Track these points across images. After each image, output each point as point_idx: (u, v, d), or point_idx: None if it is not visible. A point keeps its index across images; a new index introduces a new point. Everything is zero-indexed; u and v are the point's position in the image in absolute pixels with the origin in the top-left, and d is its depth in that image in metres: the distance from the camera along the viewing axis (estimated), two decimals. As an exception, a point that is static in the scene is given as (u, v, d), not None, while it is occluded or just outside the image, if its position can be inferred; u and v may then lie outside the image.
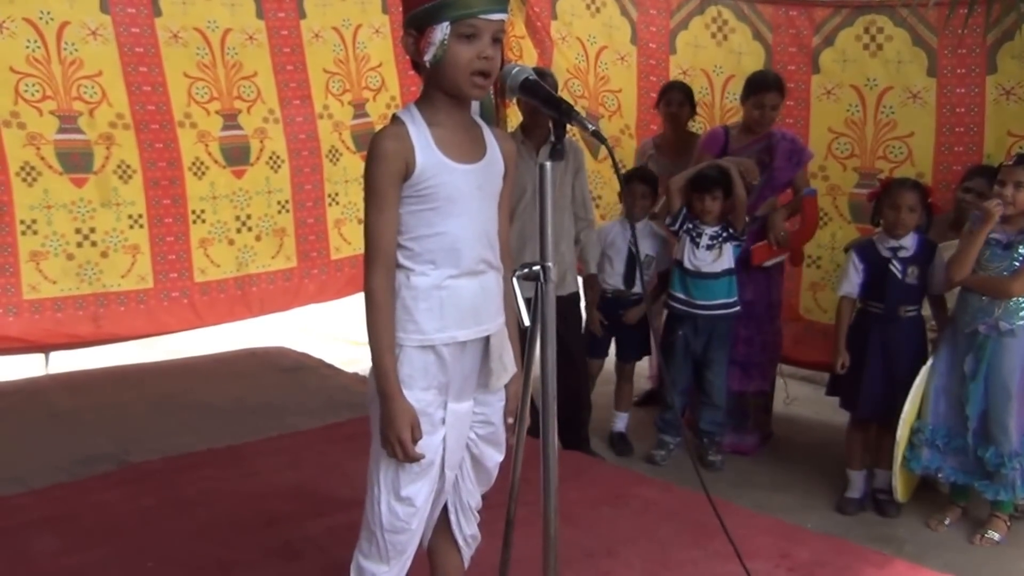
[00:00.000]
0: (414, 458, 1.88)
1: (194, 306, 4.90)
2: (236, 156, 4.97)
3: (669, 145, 4.65)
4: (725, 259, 4.06)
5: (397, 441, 1.86)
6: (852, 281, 3.72)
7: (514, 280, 1.84)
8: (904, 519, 3.66)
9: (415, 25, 1.83)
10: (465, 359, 1.96)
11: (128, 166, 4.68)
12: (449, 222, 1.87)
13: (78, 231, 4.58)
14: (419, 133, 1.85)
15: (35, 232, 4.47)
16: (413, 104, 1.91)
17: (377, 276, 1.85)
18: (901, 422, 3.51)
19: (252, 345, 5.31)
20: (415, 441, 1.87)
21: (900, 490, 3.62)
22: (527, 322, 1.83)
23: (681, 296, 4.11)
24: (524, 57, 5.54)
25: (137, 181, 4.71)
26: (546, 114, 1.83)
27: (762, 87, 4.11)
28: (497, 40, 1.83)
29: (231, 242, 5.01)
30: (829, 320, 4.04)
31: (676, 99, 4.56)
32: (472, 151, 1.92)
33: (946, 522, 3.58)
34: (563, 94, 5.28)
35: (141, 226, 4.74)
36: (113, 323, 4.69)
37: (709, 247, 4.05)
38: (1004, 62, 4.09)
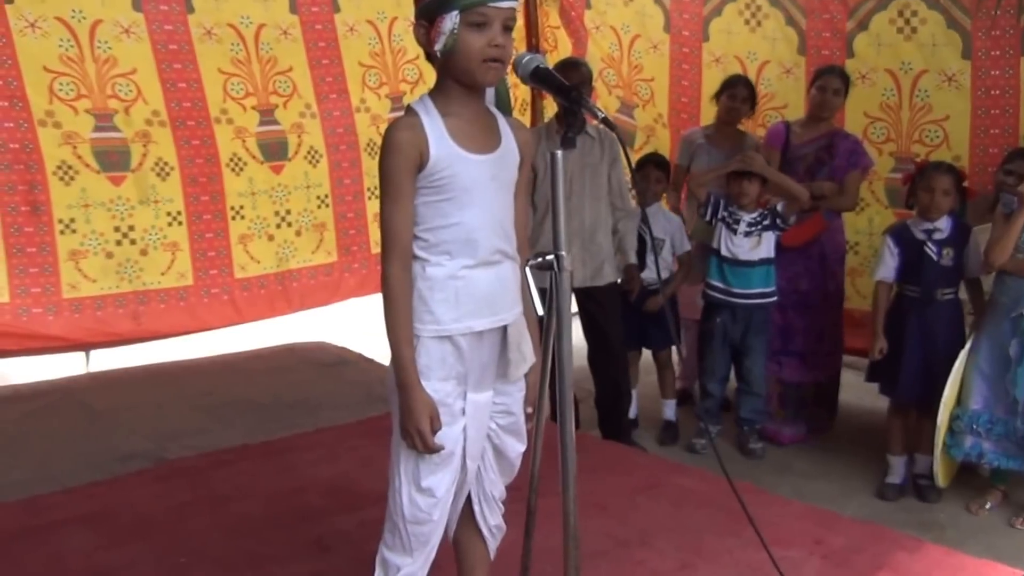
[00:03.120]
0: (434, 449, 1.88)
1: (234, 302, 4.93)
2: (274, 151, 4.99)
3: (724, 138, 4.52)
4: (764, 248, 4.05)
5: (416, 432, 1.85)
6: (888, 265, 3.71)
7: (527, 270, 1.84)
8: (945, 504, 3.65)
9: (426, 15, 1.83)
10: (483, 349, 1.95)
11: (166, 163, 4.71)
12: (464, 212, 1.87)
13: (117, 229, 4.61)
14: (433, 124, 1.85)
15: (74, 231, 4.50)
16: (427, 95, 1.91)
17: (394, 268, 1.85)
18: (941, 407, 3.50)
19: (293, 341, 5.32)
20: (434, 432, 1.87)
21: (941, 475, 3.61)
22: (541, 311, 1.83)
23: (718, 284, 4.11)
24: (559, 47, 5.54)
25: (175, 178, 4.73)
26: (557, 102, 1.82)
27: (826, 71, 4.15)
28: (508, 28, 1.82)
29: (271, 238, 5.03)
30: (868, 306, 4.03)
31: (740, 94, 4.43)
32: (486, 141, 1.92)
33: (987, 506, 3.57)
34: (597, 84, 5.29)
35: (180, 223, 4.77)
36: (153, 320, 4.72)
37: (747, 234, 4.04)
38: (1039, 43, 4.07)
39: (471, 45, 1.79)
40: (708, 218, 4.13)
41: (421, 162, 1.83)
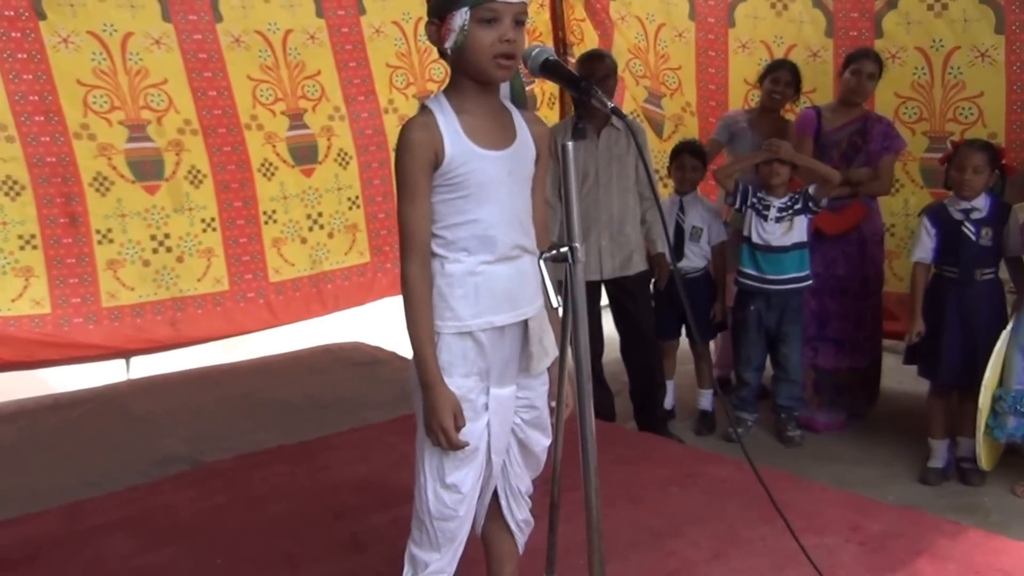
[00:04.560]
0: (458, 446, 1.87)
1: (270, 306, 4.99)
2: (304, 155, 5.04)
3: (766, 123, 4.43)
4: (796, 232, 4.01)
5: (440, 430, 1.85)
6: (925, 246, 3.65)
7: (541, 263, 1.82)
8: (989, 487, 3.59)
9: (436, 13, 1.83)
10: (504, 344, 1.95)
11: (198, 171, 4.78)
12: (481, 209, 1.87)
13: (153, 237, 4.70)
14: (447, 121, 1.85)
15: (111, 241, 4.59)
16: (442, 92, 1.91)
17: (413, 266, 1.86)
18: (983, 389, 3.44)
19: (329, 341, 5.37)
20: (458, 429, 1.87)
21: (984, 458, 3.55)
22: (555, 304, 1.82)
23: (751, 272, 4.07)
24: (585, 39, 5.54)
25: (208, 185, 4.81)
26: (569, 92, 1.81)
27: (860, 55, 4.09)
28: (520, 22, 1.82)
29: (304, 240, 5.10)
30: (905, 289, 3.96)
31: (784, 78, 4.34)
32: (502, 137, 1.92)
33: (1033, 488, 3.50)
34: (625, 74, 5.28)
35: (214, 229, 4.85)
36: (191, 326, 4.80)
37: (778, 219, 4.00)
38: (1074, 14, 3.97)
39: (482, 41, 1.79)
40: (738, 206, 4.09)
41: (437, 160, 1.84)
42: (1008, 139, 4.17)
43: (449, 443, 1.87)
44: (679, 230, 4.22)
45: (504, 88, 1.95)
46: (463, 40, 1.79)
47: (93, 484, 3.48)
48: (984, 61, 4.22)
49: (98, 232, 4.56)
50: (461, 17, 1.77)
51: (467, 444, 1.89)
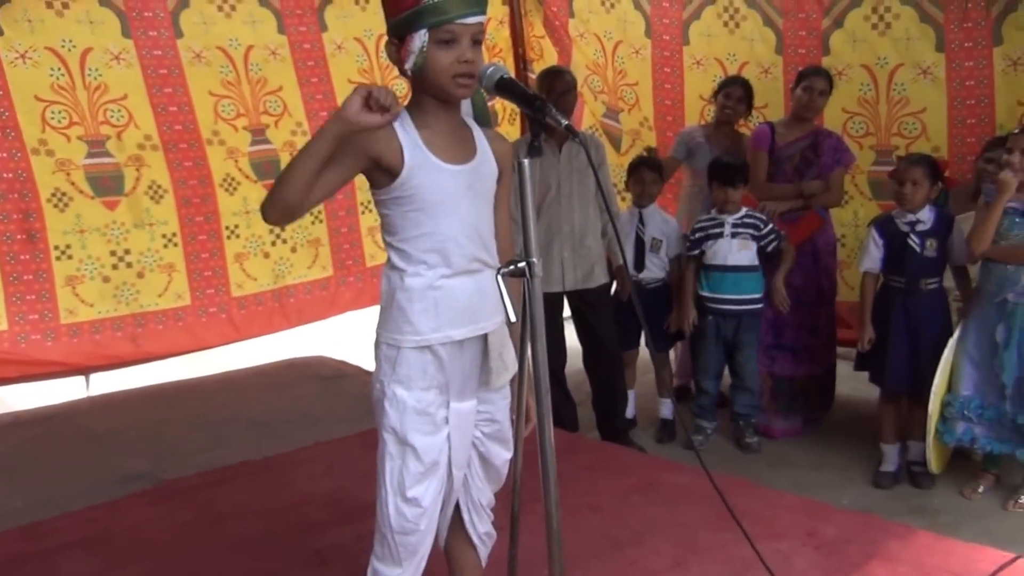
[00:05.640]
0: (383, 104, 1.69)
1: (232, 320, 4.99)
2: (267, 170, 5.04)
3: (722, 138, 4.55)
4: (751, 253, 4.09)
5: (359, 98, 1.69)
6: (873, 256, 3.76)
7: (498, 278, 1.80)
8: (939, 489, 3.68)
9: (395, 34, 1.84)
10: (464, 358, 1.95)
11: (159, 186, 4.77)
12: (439, 222, 1.87)
13: (113, 253, 4.67)
14: (407, 135, 1.86)
15: (69, 257, 4.56)
16: (404, 108, 1.90)
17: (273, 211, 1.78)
18: (932, 395, 3.54)
19: (292, 356, 5.36)
20: (370, 102, 1.70)
21: (934, 461, 3.65)
22: (513, 318, 1.81)
23: (707, 294, 4.15)
24: (545, 56, 5.61)
25: (169, 200, 4.79)
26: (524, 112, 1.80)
27: (811, 72, 4.20)
28: (477, 42, 1.83)
29: (266, 255, 5.10)
30: (856, 298, 4.08)
31: (736, 94, 4.47)
32: (462, 152, 1.92)
33: (980, 490, 3.61)
34: (584, 90, 5.36)
35: (175, 244, 4.83)
36: (152, 342, 4.77)
37: (734, 235, 4.08)
38: (1009, 33, 4.15)
39: (441, 62, 1.81)
40: (691, 250, 4.18)
41: (385, 165, 1.82)
42: (950, 153, 4.33)
43: (371, 96, 1.69)
44: (639, 242, 4.29)
45: (466, 106, 1.97)
46: (422, 61, 1.81)
47: (52, 504, 3.42)
48: (926, 78, 4.38)
49: (56, 248, 4.53)
50: (420, 39, 1.79)
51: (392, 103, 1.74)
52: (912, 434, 3.77)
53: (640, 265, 4.29)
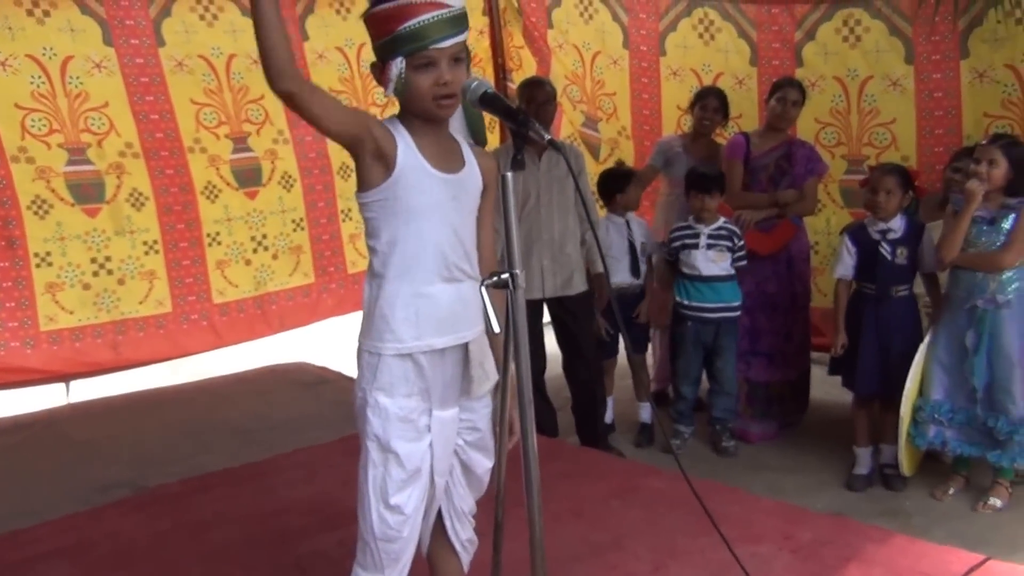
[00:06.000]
0: None
1: (214, 327, 4.99)
2: (248, 178, 5.07)
3: (699, 148, 4.63)
4: (726, 264, 4.15)
5: None
6: (846, 264, 3.84)
7: (482, 289, 1.83)
8: (911, 492, 3.74)
9: (378, 56, 1.87)
10: (445, 366, 1.97)
11: (140, 194, 4.77)
12: (423, 229, 1.89)
13: (93, 260, 4.67)
14: (402, 137, 1.89)
15: (50, 264, 4.55)
16: (395, 116, 1.94)
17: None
18: (904, 399, 3.60)
19: (274, 362, 5.37)
20: None
21: (906, 464, 3.72)
22: (496, 329, 1.82)
23: (685, 302, 4.21)
24: (524, 66, 5.67)
25: (150, 208, 4.80)
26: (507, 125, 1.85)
27: (784, 83, 4.29)
28: (458, 60, 1.86)
29: (248, 262, 5.12)
30: (829, 304, 4.16)
31: (712, 104, 4.55)
32: (450, 162, 1.95)
33: (950, 492, 3.67)
34: (563, 100, 5.42)
35: (157, 252, 4.83)
36: (133, 349, 4.77)
37: (710, 246, 4.14)
38: (975, 47, 4.26)
39: (420, 86, 1.84)
40: (669, 255, 4.26)
41: (381, 153, 1.85)
42: (920, 162, 4.43)
43: None
44: (631, 247, 4.37)
45: (459, 122, 2.03)
46: (402, 86, 1.84)
47: (32, 512, 3.42)
48: (895, 89, 4.48)
49: (36, 255, 4.52)
50: (397, 66, 1.82)
51: None
52: (884, 437, 3.83)
53: (636, 271, 4.36)
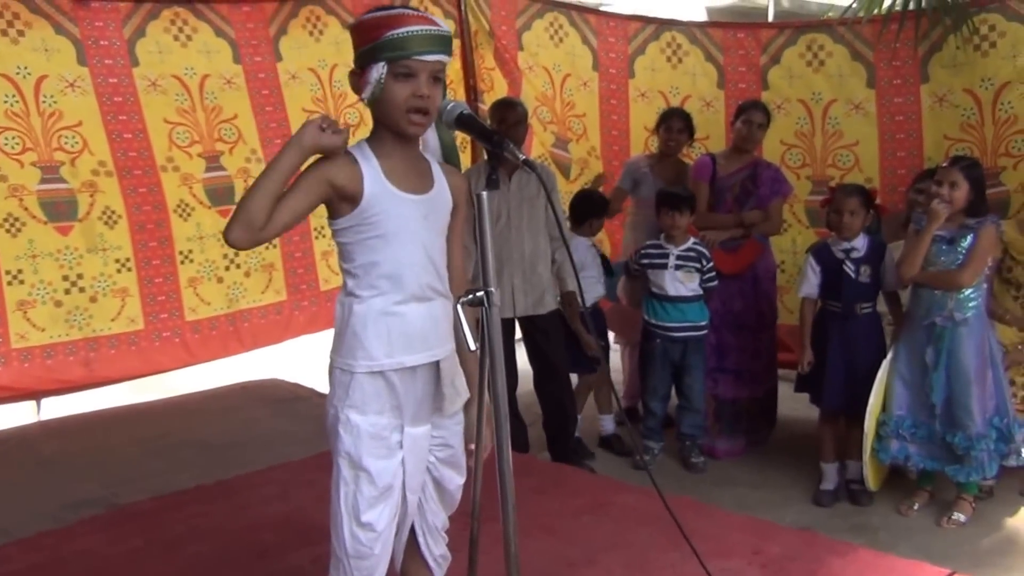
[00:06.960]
0: (339, 130, 1.85)
1: (186, 344, 4.98)
2: (221, 196, 5.09)
3: (665, 168, 4.71)
4: (694, 284, 4.23)
5: (318, 127, 1.83)
6: (811, 282, 3.92)
7: (458, 307, 1.85)
8: (877, 507, 3.81)
9: (359, 63, 1.89)
10: (416, 384, 1.98)
11: (113, 212, 4.77)
12: (394, 250, 1.91)
13: (65, 278, 4.66)
14: (368, 165, 1.90)
15: (21, 282, 4.54)
16: (364, 140, 1.96)
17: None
18: (868, 414, 3.68)
19: (246, 379, 5.36)
20: (328, 129, 1.84)
21: (871, 479, 3.79)
22: (472, 347, 1.83)
23: (653, 321, 4.29)
24: (495, 87, 5.73)
25: (123, 226, 4.80)
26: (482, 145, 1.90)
27: (750, 106, 4.38)
28: (438, 79, 1.88)
29: (220, 280, 5.12)
30: (795, 322, 4.22)
31: (676, 126, 4.65)
32: (420, 183, 1.97)
33: (915, 507, 3.75)
34: (533, 121, 5.47)
35: (129, 269, 4.83)
36: (105, 366, 4.75)
37: (678, 267, 4.21)
38: (935, 71, 4.38)
39: (396, 95, 1.86)
40: (635, 270, 4.34)
41: (345, 194, 1.88)
42: (883, 183, 4.53)
43: (329, 124, 1.85)
44: (604, 263, 4.48)
45: (433, 140, 2.06)
46: (379, 92, 1.87)
47: (2, 530, 3.40)
48: (858, 112, 4.60)
49: (8, 273, 4.51)
50: (377, 71, 1.84)
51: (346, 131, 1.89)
52: (850, 453, 3.89)
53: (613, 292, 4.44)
